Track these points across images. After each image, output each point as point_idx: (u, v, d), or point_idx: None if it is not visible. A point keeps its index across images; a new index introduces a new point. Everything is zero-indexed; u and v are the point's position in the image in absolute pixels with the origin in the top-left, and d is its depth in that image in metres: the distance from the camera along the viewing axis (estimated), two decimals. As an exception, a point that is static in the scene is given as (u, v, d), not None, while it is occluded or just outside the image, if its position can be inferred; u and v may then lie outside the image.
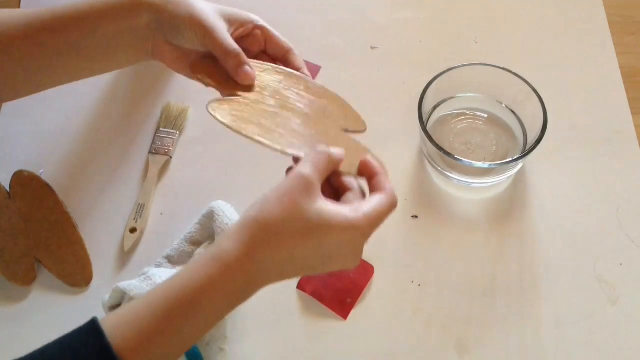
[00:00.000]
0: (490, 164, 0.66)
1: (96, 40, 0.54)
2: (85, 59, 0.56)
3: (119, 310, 0.44)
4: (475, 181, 0.69)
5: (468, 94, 0.74)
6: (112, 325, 0.42)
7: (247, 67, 0.53)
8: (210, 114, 0.50)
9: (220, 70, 0.54)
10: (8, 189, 0.70)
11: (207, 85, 0.54)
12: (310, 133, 0.52)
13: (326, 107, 0.55)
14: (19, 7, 0.87)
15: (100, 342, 0.40)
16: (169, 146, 0.74)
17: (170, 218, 0.70)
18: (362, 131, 0.56)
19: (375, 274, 0.66)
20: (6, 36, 0.53)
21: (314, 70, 0.80)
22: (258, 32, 0.58)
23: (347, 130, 0.55)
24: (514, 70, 0.70)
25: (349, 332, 0.63)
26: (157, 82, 0.80)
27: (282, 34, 0.84)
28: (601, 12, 0.84)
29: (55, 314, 0.65)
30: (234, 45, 0.53)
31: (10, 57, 0.53)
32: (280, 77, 0.56)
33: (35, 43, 0.53)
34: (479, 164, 0.66)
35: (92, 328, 0.41)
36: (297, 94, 0.55)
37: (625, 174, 0.71)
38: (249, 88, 0.53)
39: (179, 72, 0.58)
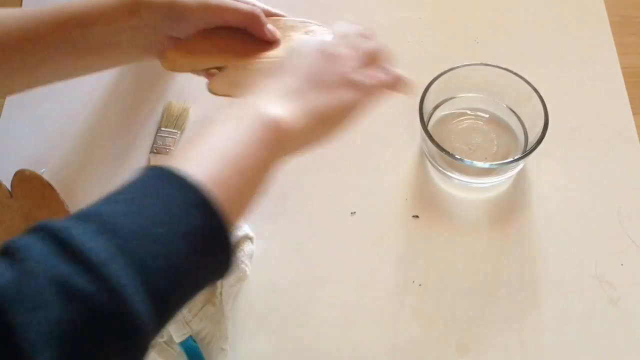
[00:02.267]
0: (491, 164, 0.66)
1: (94, 38, 0.54)
2: (84, 57, 0.56)
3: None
4: (476, 181, 0.69)
5: (469, 94, 0.74)
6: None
7: (269, 25, 0.57)
8: (217, 94, 0.54)
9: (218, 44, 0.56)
10: (9, 188, 0.70)
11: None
12: None
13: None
14: (20, 6, 0.88)
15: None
16: (170, 146, 0.74)
17: (171, 217, 0.70)
18: None
19: (375, 274, 0.66)
20: (3, 33, 0.53)
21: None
22: None
23: None
24: (515, 71, 0.70)
25: (349, 332, 0.63)
26: (158, 81, 0.80)
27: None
28: (602, 12, 0.84)
29: (57, 313, 0.65)
30: (252, 8, 0.56)
31: (7, 54, 0.53)
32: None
33: (32, 39, 0.53)
34: (480, 164, 0.66)
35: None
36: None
37: (627, 174, 0.71)
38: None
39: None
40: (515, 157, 0.66)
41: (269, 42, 0.58)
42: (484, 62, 0.71)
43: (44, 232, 0.33)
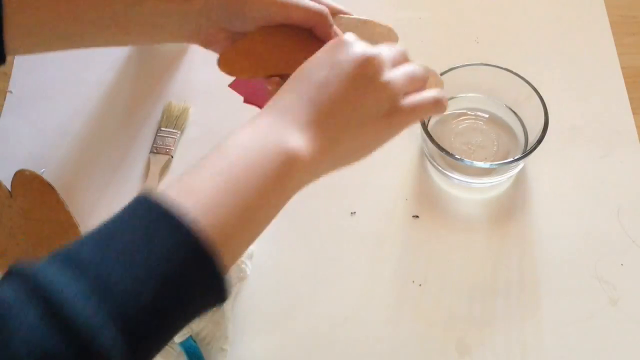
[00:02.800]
0: (491, 164, 0.66)
1: (140, 16, 0.49)
2: (124, 33, 0.51)
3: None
4: (476, 181, 0.69)
5: (469, 94, 0.74)
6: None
7: (335, 27, 0.51)
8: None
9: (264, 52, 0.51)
10: (9, 189, 0.70)
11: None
12: None
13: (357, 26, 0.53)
14: None
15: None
16: (170, 146, 0.74)
17: (171, 217, 0.70)
18: (395, 42, 0.54)
19: (375, 274, 0.66)
20: None
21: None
22: None
23: None
24: (515, 70, 0.70)
25: (349, 331, 0.63)
26: (158, 81, 0.80)
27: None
28: (602, 12, 0.84)
29: (57, 313, 0.65)
30: (320, 7, 0.50)
31: (37, 18, 0.48)
32: None
33: (70, 9, 0.48)
34: (480, 164, 0.66)
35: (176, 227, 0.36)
36: None
37: (627, 174, 0.71)
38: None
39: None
40: (515, 157, 0.66)
41: None
42: (484, 62, 0.71)
43: (28, 286, 0.32)
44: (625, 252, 0.67)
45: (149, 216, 0.36)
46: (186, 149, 0.75)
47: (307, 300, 0.65)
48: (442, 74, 0.70)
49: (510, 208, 0.70)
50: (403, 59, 0.48)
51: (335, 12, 0.52)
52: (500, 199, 0.70)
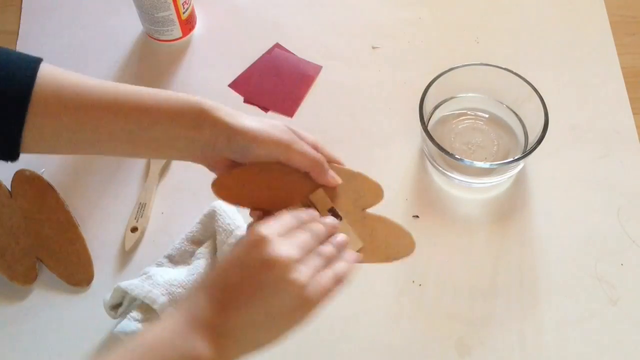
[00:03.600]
0: (491, 164, 0.66)
1: (151, 136, 0.52)
2: (135, 147, 0.53)
3: None
4: (476, 181, 0.69)
5: (469, 94, 0.74)
6: None
7: (331, 172, 0.54)
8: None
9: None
10: (9, 188, 0.70)
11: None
12: None
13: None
14: (20, 7, 0.88)
15: None
16: (170, 146, 0.74)
17: (172, 217, 0.70)
18: (380, 201, 0.56)
19: (375, 274, 0.66)
20: (58, 103, 0.50)
21: (315, 70, 0.80)
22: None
23: (365, 208, 0.55)
24: (515, 71, 0.70)
25: (349, 331, 0.63)
26: (158, 82, 0.80)
27: (283, 34, 0.84)
28: (602, 12, 0.84)
29: (57, 313, 0.65)
30: (318, 155, 0.53)
31: (56, 124, 0.51)
32: None
33: (90, 120, 0.51)
34: (480, 164, 0.66)
35: None
36: None
37: (627, 174, 0.71)
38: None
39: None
40: (515, 157, 0.66)
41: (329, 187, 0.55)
42: (484, 62, 0.71)
43: None
44: (625, 252, 0.67)
45: None
46: (186, 149, 0.75)
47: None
48: (442, 74, 0.70)
49: (510, 208, 0.70)
50: (324, 237, 0.50)
51: (331, 161, 0.55)
52: (500, 198, 0.70)
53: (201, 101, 0.52)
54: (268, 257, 0.45)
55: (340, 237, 0.51)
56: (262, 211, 0.54)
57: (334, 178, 0.54)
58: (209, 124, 0.51)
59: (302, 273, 0.45)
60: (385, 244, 0.54)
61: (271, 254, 0.45)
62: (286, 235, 0.47)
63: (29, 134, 0.50)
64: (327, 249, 0.49)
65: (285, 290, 0.44)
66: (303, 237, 0.48)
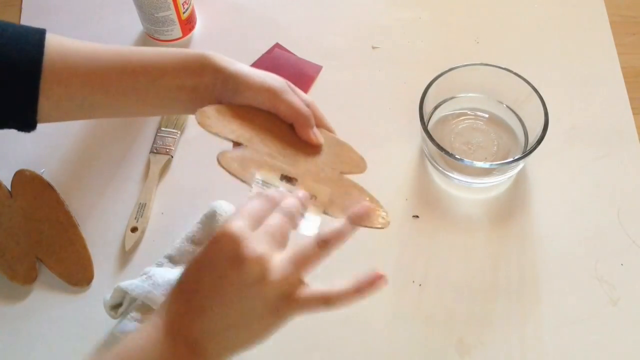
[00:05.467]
0: (491, 164, 0.66)
1: (158, 89, 0.55)
2: (144, 104, 0.56)
3: None
4: (476, 181, 0.69)
5: (469, 94, 0.74)
6: None
7: (315, 130, 0.54)
8: (224, 168, 0.51)
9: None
10: (9, 189, 0.70)
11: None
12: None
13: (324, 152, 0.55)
14: (20, 7, 0.88)
15: None
16: (170, 145, 0.74)
17: (172, 217, 0.70)
18: (361, 172, 0.55)
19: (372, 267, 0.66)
20: (68, 69, 0.53)
21: (315, 70, 0.80)
22: None
23: (343, 172, 0.54)
24: (515, 71, 0.70)
25: (349, 331, 0.63)
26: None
27: (283, 34, 0.84)
28: (602, 12, 0.84)
29: (57, 313, 0.65)
30: (305, 109, 0.54)
31: (69, 90, 0.53)
32: None
33: (100, 82, 0.54)
34: (480, 164, 0.66)
35: None
36: None
37: (627, 174, 0.71)
38: None
39: None
40: (515, 157, 0.66)
41: (311, 146, 0.54)
42: (484, 62, 0.71)
43: None
44: (625, 252, 0.67)
45: None
46: (186, 149, 0.75)
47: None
48: (442, 74, 0.70)
49: (510, 208, 0.70)
50: (298, 212, 0.49)
51: (321, 125, 0.55)
52: (500, 199, 0.70)
53: (204, 51, 0.55)
54: (237, 255, 0.44)
55: (301, 193, 0.50)
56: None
57: (317, 136, 0.54)
58: (210, 70, 0.54)
59: (275, 269, 0.44)
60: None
61: (240, 251, 0.44)
62: (257, 222, 0.46)
63: (45, 102, 0.53)
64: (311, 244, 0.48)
65: (258, 289, 0.44)
66: (274, 222, 0.46)
